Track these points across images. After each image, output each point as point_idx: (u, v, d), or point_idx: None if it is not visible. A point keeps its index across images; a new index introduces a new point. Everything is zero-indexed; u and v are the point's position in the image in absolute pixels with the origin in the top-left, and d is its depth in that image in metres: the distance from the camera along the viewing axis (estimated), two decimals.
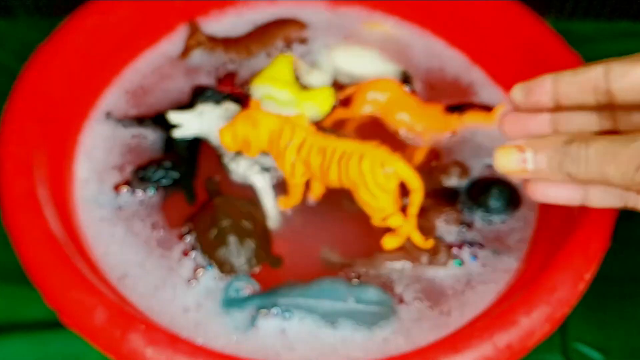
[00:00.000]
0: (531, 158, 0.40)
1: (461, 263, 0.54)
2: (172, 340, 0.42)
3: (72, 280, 0.45)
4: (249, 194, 0.57)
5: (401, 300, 0.52)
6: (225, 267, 0.52)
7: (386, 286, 0.52)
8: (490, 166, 0.60)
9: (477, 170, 0.60)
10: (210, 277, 0.52)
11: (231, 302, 0.51)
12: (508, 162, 0.41)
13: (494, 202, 0.57)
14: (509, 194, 0.57)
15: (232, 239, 0.52)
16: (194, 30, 0.67)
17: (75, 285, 0.45)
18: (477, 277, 0.54)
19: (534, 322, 0.44)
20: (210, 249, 0.52)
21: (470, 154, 0.61)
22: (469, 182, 0.59)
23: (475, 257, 0.55)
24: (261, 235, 0.54)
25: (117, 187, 0.57)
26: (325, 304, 0.49)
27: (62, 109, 0.58)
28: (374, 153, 0.49)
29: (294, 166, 0.52)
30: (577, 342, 0.56)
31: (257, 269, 0.53)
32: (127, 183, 0.58)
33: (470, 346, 0.42)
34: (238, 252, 0.52)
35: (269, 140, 0.52)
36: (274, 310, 0.50)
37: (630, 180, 0.36)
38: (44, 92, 0.56)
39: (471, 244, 0.55)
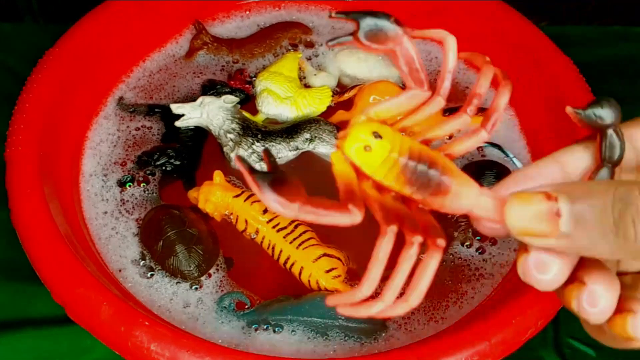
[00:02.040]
0: (567, 211, 0.26)
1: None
2: (176, 336, 0.44)
3: (79, 277, 0.46)
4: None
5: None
6: (176, 276, 0.53)
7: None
8: (479, 148, 0.62)
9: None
10: (212, 275, 0.54)
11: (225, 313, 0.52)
12: (528, 218, 0.26)
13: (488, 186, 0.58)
14: (502, 175, 0.58)
15: (179, 248, 0.53)
16: (199, 31, 0.68)
17: (82, 282, 0.46)
18: (476, 270, 0.55)
19: (527, 317, 0.45)
20: (160, 260, 0.53)
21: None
22: (460, 167, 0.60)
23: (481, 251, 0.56)
24: (208, 240, 0.54)
25: (121, 180, 0.59)
26: (316, 321, 0.50)
27: (71, 109, 0.59)
28: (312, 268, 0.53)
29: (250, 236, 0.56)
30: (570, 338, 0.57)
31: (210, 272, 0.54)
32: (134, 163, 0.60)
33: (465, 342, 0.44)
34: (187, 260, 0.53)
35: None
36: (265, 326, 0.51)
37: None
38: (53, 94, 0.57)
39: (478, 237, 0.56)
